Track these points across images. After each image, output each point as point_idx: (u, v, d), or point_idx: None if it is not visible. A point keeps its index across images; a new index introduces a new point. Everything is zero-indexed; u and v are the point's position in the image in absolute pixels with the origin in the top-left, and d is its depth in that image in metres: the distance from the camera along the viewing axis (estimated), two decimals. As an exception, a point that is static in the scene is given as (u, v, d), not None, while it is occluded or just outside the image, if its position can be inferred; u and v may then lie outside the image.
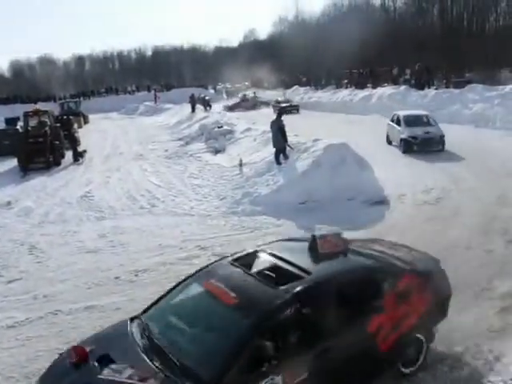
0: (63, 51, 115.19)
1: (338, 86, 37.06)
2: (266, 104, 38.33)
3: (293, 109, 33.68)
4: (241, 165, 14.22)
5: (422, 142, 15.77)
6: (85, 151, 20.92)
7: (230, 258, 4.96)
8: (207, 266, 5.03)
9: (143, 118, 38.56)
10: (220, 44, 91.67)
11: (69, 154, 20.47)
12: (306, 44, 47.41)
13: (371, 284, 4.65)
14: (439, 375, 5.00)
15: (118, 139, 26.50)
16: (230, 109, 38.94)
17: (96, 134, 29.20)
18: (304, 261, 4.69)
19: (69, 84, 70.74)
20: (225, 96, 56.01)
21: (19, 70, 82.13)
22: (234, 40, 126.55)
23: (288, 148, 13.15)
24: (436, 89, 26.57)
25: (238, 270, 4.65)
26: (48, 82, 68.78)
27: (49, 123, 21.23)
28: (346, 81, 36.83)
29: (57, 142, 20.23)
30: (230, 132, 20.07)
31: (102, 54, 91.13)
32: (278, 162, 13.00)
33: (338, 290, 4.38)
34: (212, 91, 58.02)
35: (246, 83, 64.16)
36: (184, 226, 10.41)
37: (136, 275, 7.90)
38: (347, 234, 8.90)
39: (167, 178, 15.29)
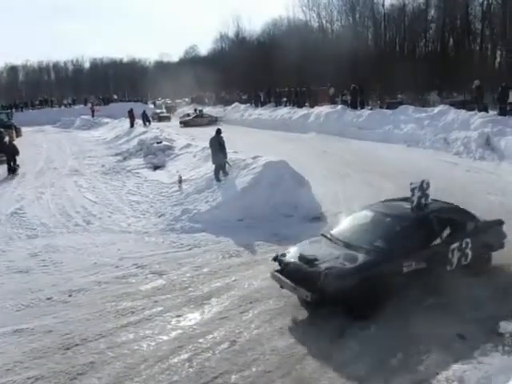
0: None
1: (278, 103, 37.72)
2: (217, 121, 38.21)
3: None
4: (180, 181, 14.14)
5: None
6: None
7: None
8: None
9: (80, 132, 37.49)
10: (161, 58, 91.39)
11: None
12: (245, 61, 48.09)
13: None
14: None
15: (52, 153, 25.62)
16: (185, 124, 38.83)
17: (29, 148, 27.97)
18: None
19: (0, 94, 67.86)
20: (164, 111, 55.62)
21: None
22: (174, 55, 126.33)
23: (227, 165, 13.23)
24: (371, 109, 27.65)
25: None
26: (-23, 92, 65.71)
27: (-24, 136, 20.28)
28: (285, 99, 37.56)
29: (-15, 156, 19.34)
30: (170, 148, 19.91)
31: (36, 65, 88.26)
32: (218, 179, 13.04)
33: None
34: (152, 106, 57.42)
35: (186, 99, 64.09)
36: (121, 243, 10.20)
37: (70, 295, 7.63)
38: (285, 250, 9.13)
39: (104, 194, 14.94)
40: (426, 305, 6.52)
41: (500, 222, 7.84)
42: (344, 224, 7.84)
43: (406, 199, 7.66)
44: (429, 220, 7.16)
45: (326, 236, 7.53)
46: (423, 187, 7.39)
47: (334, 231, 7.60)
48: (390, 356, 5.55)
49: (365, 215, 7.75)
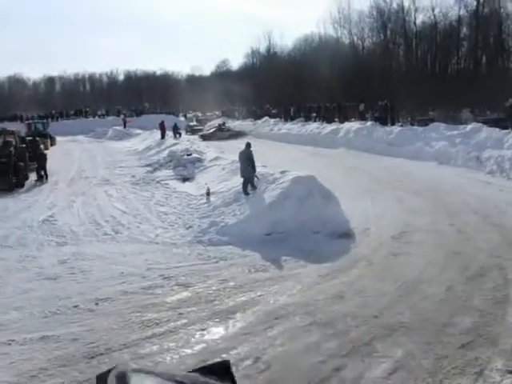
0: (34, 71, 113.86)
1: (307, 119, 37.72)
2: (240, 135, 37.81)
3: None
4: (208, 194, 14.20)
5: None
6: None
7: None
8: None
9: (112, 143, 38.25)
10: (192, 72, 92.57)
11: (33, 176, 20.13)
12: (276, 76, 48.37)
13: None
14: None
15: (84, 163, 26.15)
16: (204, 138, 37.32)
17: (62, 157, 28.73)
18: None
19: (37, 104, 69.84)
20: (197, 124, 56.23)
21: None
22: (206, 69, 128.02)
23: (255, 178, 13.23)
24: (401, 126, 27.39)
25: None
26: (16, 101, 67.83)
27: (14, 143, 20.84)
28: (314, 114, 37.55)
29: (21, 164, 19.81)
30: (199, 160, 20.08)
31: (73, 76, 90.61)
32: (246, 193, 13.03)
33: None
34: (182, 119, 58.16)
35: (217, 112, 64.71)
36: (148, 254, 10.26)
37: (96, 304, 7.68)
38: (313, 267, 9.04)
39: (133, 205, 15.10)
40: None
41: None
42: None
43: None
44: None
45: None
46: None
47: None
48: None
49: None
